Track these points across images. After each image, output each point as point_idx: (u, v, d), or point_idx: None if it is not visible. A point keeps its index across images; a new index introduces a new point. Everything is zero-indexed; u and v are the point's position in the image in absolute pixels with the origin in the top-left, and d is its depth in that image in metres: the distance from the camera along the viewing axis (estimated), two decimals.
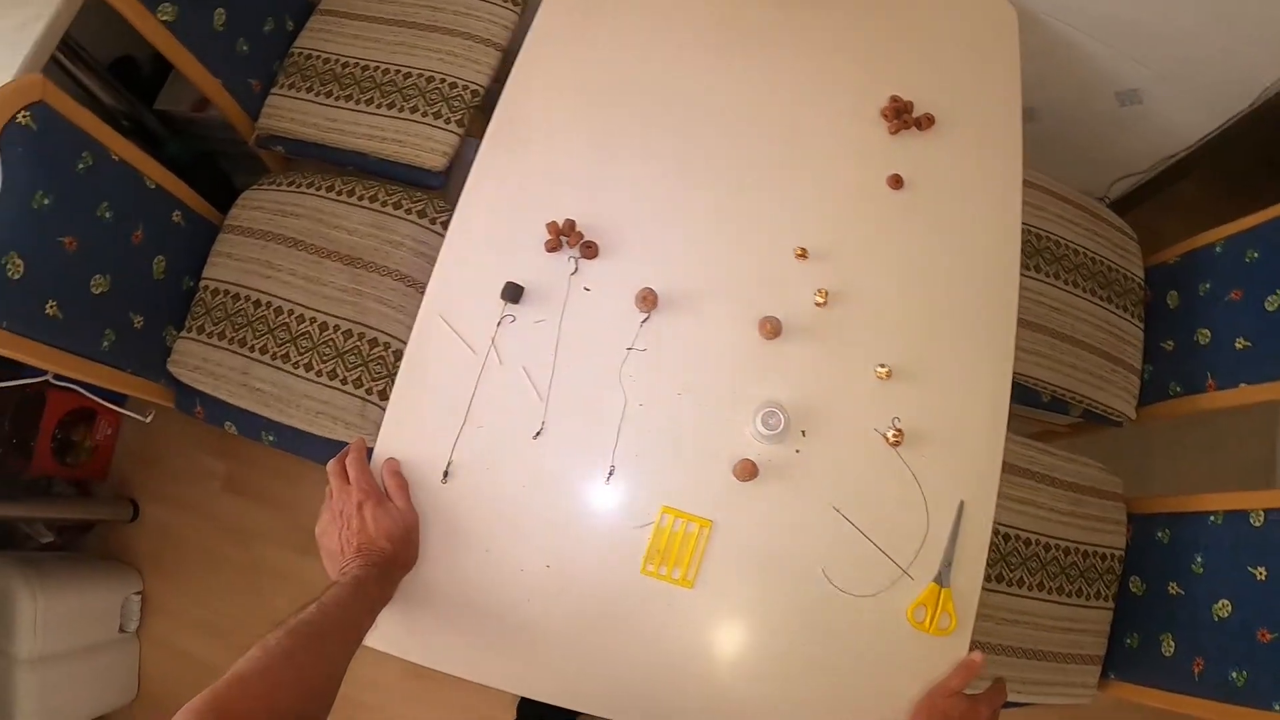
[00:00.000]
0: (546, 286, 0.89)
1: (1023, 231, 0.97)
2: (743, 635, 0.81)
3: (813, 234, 0.93)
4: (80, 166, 0.93)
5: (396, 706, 1.45)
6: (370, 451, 0.85)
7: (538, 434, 0.84)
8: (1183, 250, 1.22)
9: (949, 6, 1.10)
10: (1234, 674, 0.91)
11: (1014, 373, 0.90)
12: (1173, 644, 1.00)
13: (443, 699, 1.46)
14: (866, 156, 0.98)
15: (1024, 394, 1.18)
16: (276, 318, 1.11)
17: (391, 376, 1.07)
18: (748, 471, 0.82)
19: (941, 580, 0.81)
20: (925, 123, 0.99)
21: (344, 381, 1.07)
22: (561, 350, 0.87)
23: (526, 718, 1.41)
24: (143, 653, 1.53)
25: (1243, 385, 1.06)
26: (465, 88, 1.20)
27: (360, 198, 1.17)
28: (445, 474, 0.83)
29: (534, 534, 0.82)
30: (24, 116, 0.86)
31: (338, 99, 1.23)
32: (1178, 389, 1.16)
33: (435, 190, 1.21)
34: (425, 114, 1.20)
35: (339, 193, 1.18)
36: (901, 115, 0.99)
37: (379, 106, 1.21)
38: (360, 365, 1.08)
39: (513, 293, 0.87)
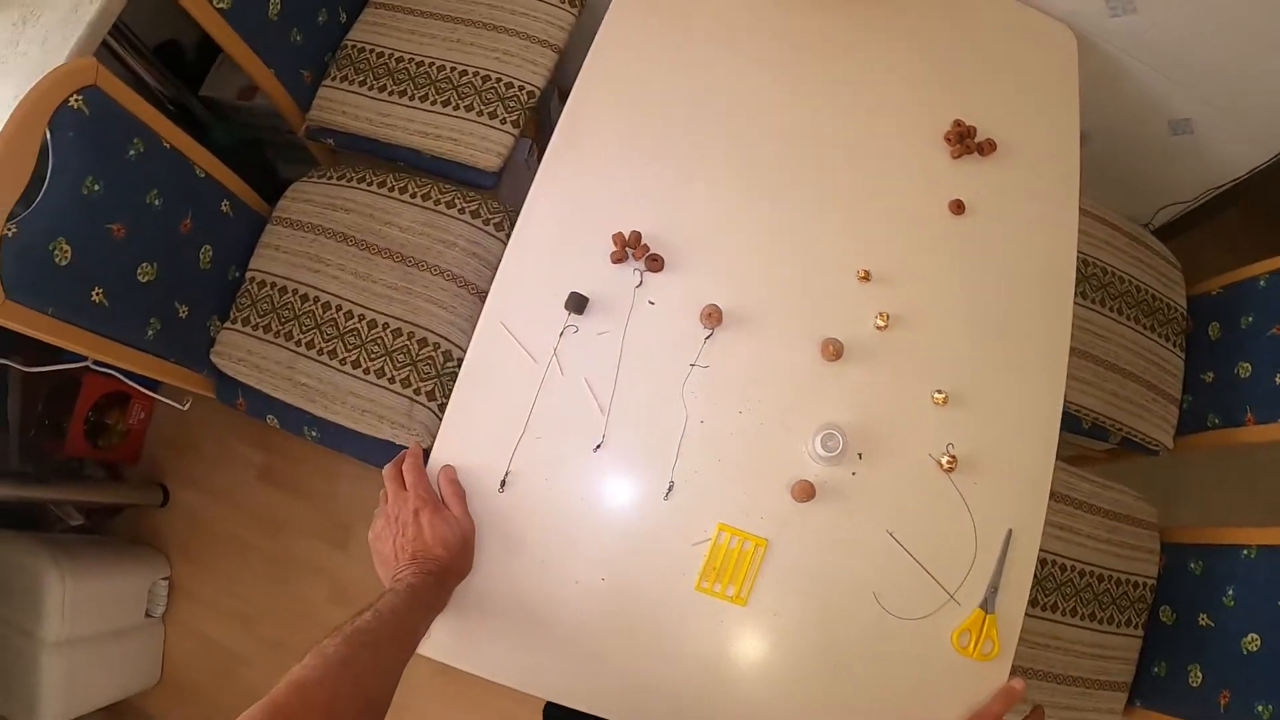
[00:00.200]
0: (611, 298, 0.89)
1: None
2: (792, 654, 0.81)
3: (875, 256, 0.93)
4: (131, 153, 0.92)
5: (423, 705, 1.45)
6: (425, 454, 0.85)
7: (598, 446, 0.84)
8: (1226, 282, 1.22)
9: (1011, 30, 1.10)
10: (1260, 707, 0.91)
11: None
12: (1200, 675, 1.00)
13: (469, 699, 1.46)
14: (929, 180, 0.98)
15: (1066, 420, 1.15)
16: (324, 313, 1.11)
17: (440, 377, 1.07)
18: (806, 492, 0.82)
19: (987, 606, 0.82)
20: (987, 148, 0.99)
21: (392, 380, 1.07)
22: (624, 363, 0.86)
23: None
24: (167, 638, 1.53)
25: None
26: (521, 88, 1.20)
27: (413, 195, 1.16)
28: (502, 483, 0.83)
29: (590, 547, 0.82)
30: (76, 100, 0.84)
31: (391, 94, 1.22)
32: (1216, 421, 1.17)
33: (488, 190, 1.21)
34: (481, 113, 1.19)
35: (391, 189, 1.17)
36: (965, 140, 0.98)
37: (434, 103, 1.20)
38: (409, 365, 1.07)
39: (577, 303, 0.87)
